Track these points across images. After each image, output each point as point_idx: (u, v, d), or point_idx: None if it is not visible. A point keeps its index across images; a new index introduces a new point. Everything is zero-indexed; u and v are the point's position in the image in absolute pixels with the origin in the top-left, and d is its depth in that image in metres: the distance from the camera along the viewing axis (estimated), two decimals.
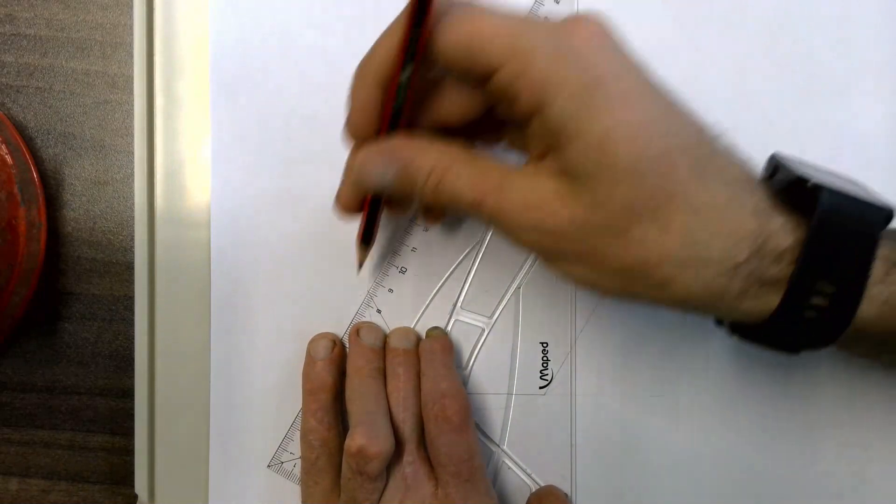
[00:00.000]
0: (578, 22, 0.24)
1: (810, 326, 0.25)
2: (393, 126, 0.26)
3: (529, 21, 0.24)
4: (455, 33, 0.24)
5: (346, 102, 0.27)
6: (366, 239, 0.31)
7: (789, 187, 0.26)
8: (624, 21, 0.33)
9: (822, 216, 0.24)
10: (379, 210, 0.29)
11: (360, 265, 0.33)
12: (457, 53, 0.24)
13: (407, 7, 0.24)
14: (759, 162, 0.29)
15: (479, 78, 0.24)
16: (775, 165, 0.28)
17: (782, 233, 0.24)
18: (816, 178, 0.25)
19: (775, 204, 0.25)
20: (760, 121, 0.34)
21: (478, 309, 0.34)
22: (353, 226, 0.31)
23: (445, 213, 0.33)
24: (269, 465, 0.34)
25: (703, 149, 0.24)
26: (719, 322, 0.30)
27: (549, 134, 0.24)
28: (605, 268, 0.25)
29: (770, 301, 0.25)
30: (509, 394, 0.34)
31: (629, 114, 0.23)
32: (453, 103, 0.27)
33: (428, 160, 0.26)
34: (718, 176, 0.24)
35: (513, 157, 0.30)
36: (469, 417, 0.31)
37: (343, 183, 0.29)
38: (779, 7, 0.34)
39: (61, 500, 0.35)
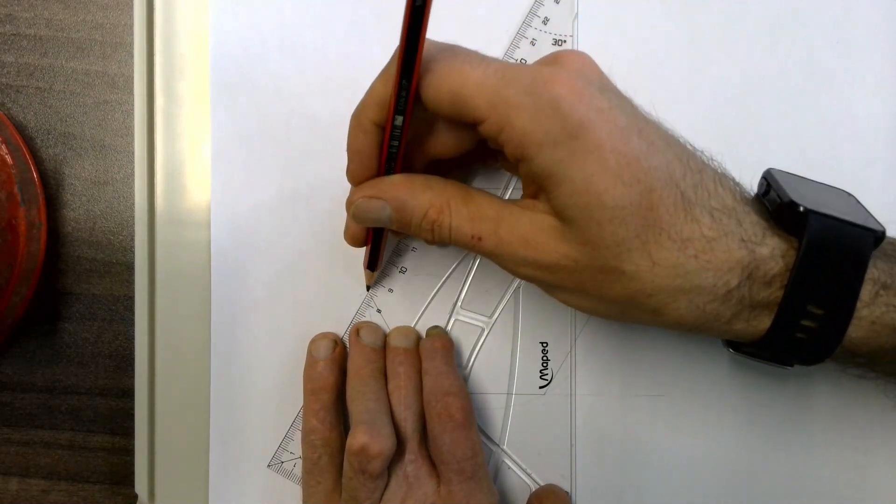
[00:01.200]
0: (559, 61, 0.25)
1: (801, 346, 0.26)
2: (390, 167, 0.27)
3: (510, 71, 0.24)
4: (439, 87, 0.25)
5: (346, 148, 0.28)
6: (371, 265, 0.32)
7: (781, 209, 0.26)
8: (624, 21, 0.34)
9: (811, 242, 0.24)
10: (382, 239, 0.31)
11: (369, 287, 0.34)
12: (443, 106, 0.25)
13: (396, 58, 0.24)
14: (758, 162, 0.29)
15: (468, 125, 0.25)
16: (769, 183, 0.28)
17: (772, 258, 0.25)
18: (807, 200, 0.25)
19: (766, 227, 0.25)
20: (760, 121, 0.34)
21: (478, 309, 0.34)
22: None
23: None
24: (269, 465, 0.34)
25: (690, 180, 0.25)
26: None
27: (538, 179, 0.25)
28: (601, 298, 0.26)
29: (761, 323, 0.25)
30: (509, 393, 0.34)
31: (612, 156, 0.23)
32: (448, 139, 0.28)
33: (423, 201, 0.27)
34: (706, 206, 0.25)
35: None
36: (472, 415, 0.31)
37: (347, 218, 0.30)
38: (779, 7, 0.34)
39: (61, 500, 0.35)
